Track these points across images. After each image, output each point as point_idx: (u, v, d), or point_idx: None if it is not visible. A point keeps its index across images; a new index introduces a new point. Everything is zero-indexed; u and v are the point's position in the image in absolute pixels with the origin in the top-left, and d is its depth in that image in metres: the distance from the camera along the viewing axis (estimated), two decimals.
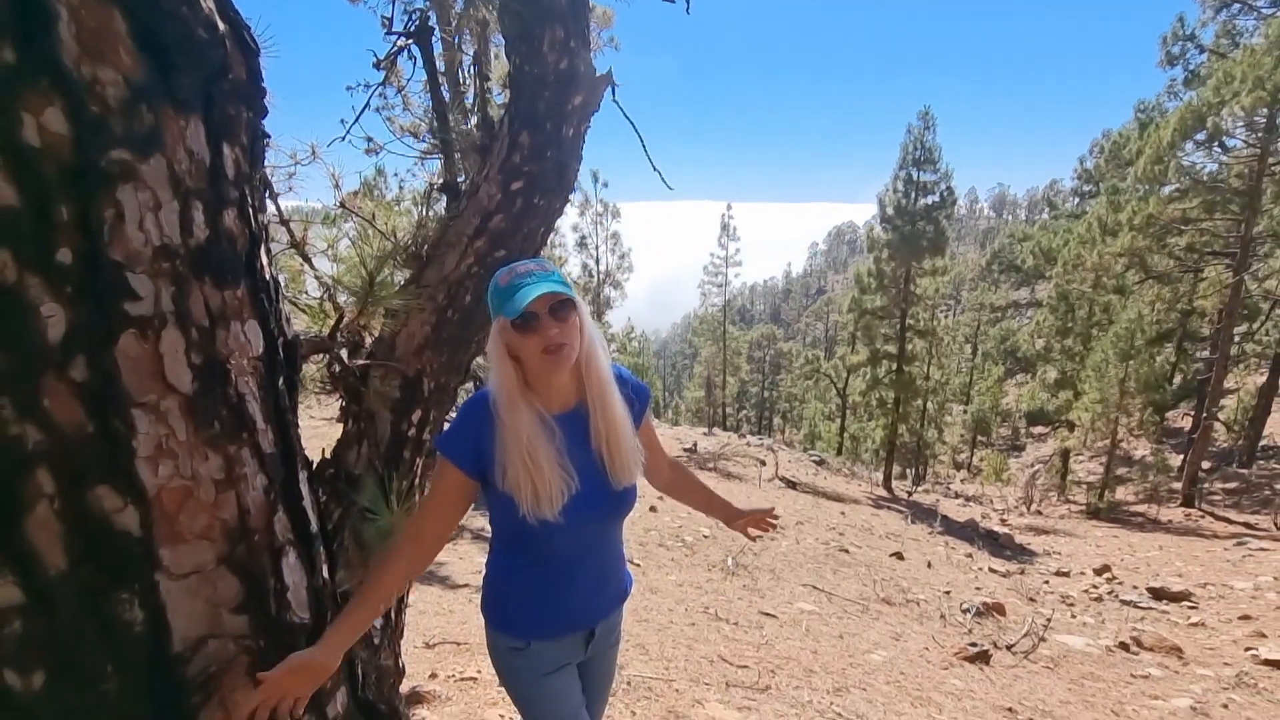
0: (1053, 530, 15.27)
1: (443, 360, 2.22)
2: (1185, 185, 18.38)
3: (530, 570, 1.27)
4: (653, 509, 9.15)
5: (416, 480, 2.25)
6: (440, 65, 2.44)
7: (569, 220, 24.50)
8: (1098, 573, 9.96)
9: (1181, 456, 20.19)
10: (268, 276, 1.03)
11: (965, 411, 32.77)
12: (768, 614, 5.27)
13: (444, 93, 2.16)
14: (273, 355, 1.02)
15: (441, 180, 2.29)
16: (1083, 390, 20.02)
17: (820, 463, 20.98)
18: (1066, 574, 10.12)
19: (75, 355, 0.76)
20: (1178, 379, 23.82)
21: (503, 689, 2.33)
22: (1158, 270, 21.23)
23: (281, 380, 1.05)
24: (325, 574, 1.15)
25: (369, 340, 2.17)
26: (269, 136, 1.06)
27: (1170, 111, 19.50)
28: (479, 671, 2.85)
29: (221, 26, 0.90)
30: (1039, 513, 18.93)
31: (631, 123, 2.18)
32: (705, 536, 8.35)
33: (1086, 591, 8.69)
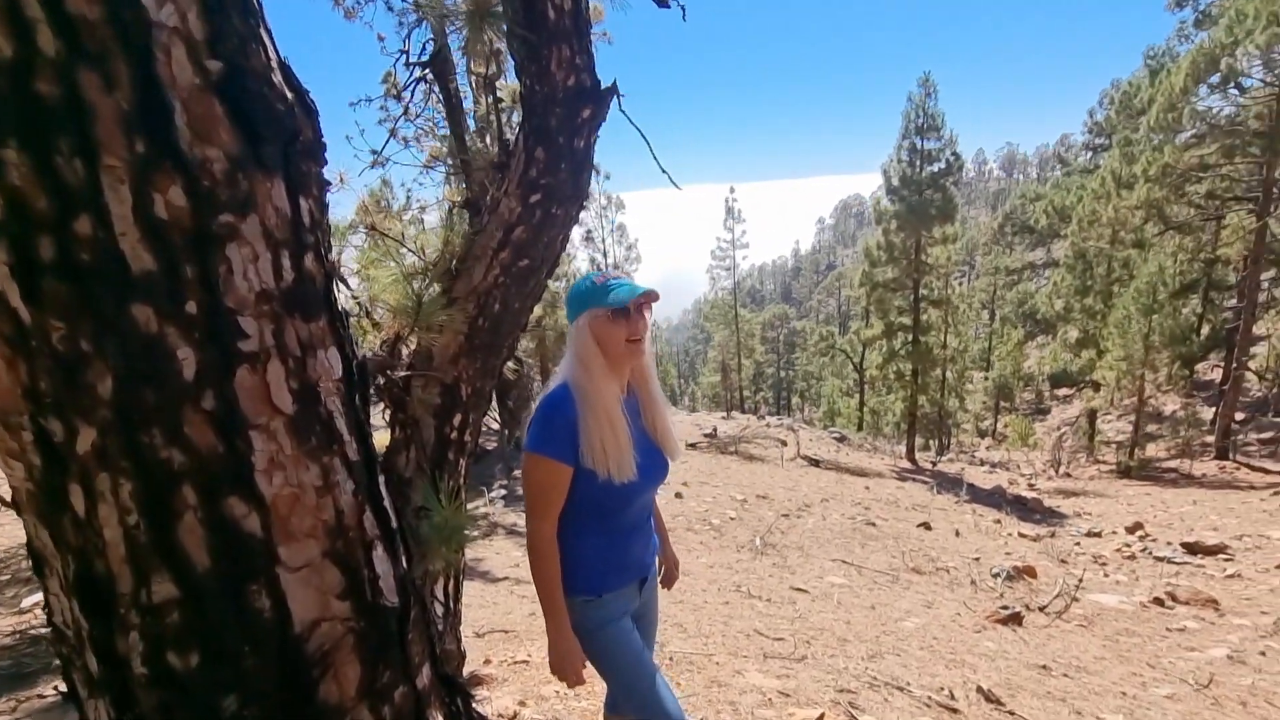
0: (1083, 492, 15.20)
1: (477, 366, 2.38)
2: (1202, 131, 18.00)
3: (596, 535, 1.49)
4: (678, 495, 9.31)
5: (462, 479, 2.42)
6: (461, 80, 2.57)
7: None
8: (1130, 531, 9.96)
9: (1213, 409, 19.91)
10: (340, 307, 1.17)
11: (986, 378, 32.51)
12: (799, 589, 5.41)
13: (467, 118, 2.30)
14: (349, 376, 1.17)
15: (464, 199, 2.43)
16: (1106, 348, 19.79)
17: (842, 439, 21.01)
18: (1098, 534, 10.13)
19: (205, 388, 0.92)
20: (1205, 330, 23.41)
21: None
22: (1177, 220, 20.83)
23: (357, 397, 1.20)
24: (404, 564, 1.30)
25: (405, 352, 2.34)
26: (330, 184, 1.20)
27: (1181, 56, 19.03)
28: (529, 656, 3.03)
29: (290, 96, 1.04)
30: (1068, 475, 18.82)
31: (640, 130, 2.30)
32: (732, 519, 8.51)
33: (1119, 550, 8.72)
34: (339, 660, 1.09)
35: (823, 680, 2.96)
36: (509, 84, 2.49)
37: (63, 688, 1.01)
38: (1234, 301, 21.94)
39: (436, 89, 2.30)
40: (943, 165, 17.79)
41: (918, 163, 17.74)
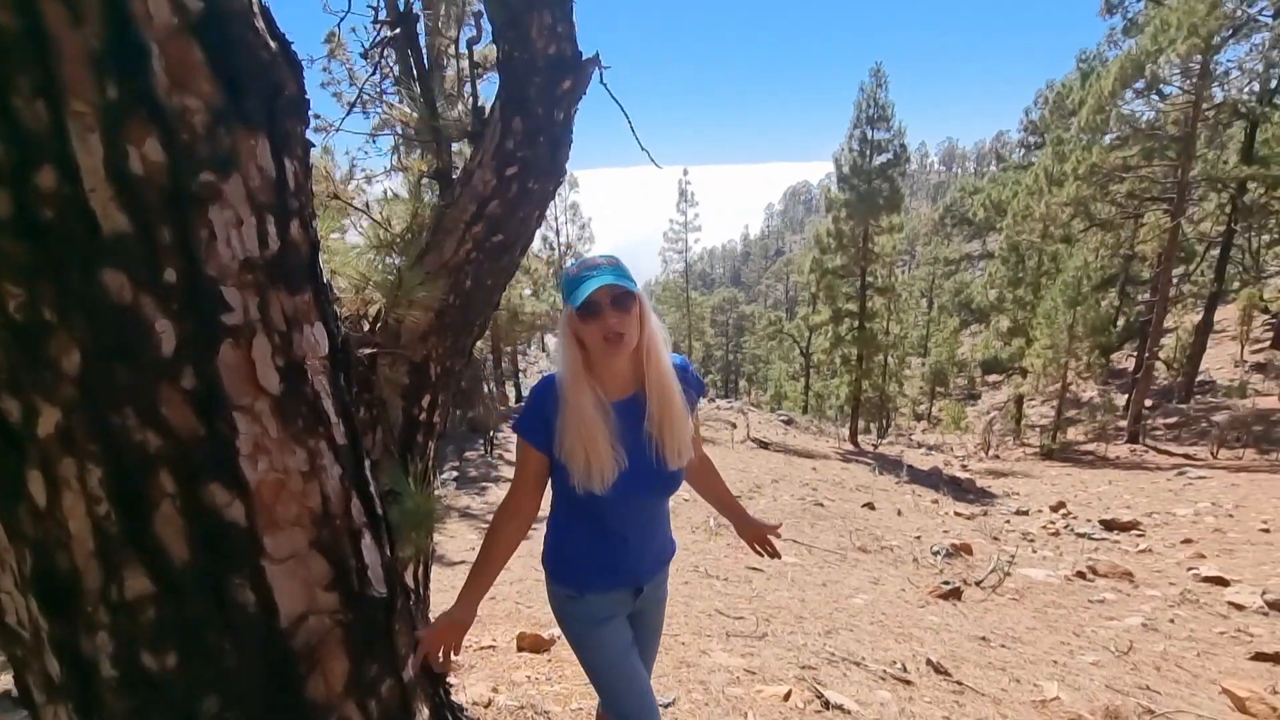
0: (1011, 472, 16.09)
1: (447, 345, 2.29)
2: (1125, 133, 19.05)
3: (585, 532, 1.43)
4: None
5: (431, 462, 2.34)
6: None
7: None
8: (1054, 509, 10.61)
9: (1126, 396, 21.35)
10: (325, 280, 1.09)
11: (924, 364, 33.87)
12: (754, 569, 5.53)
13: (430, 81, 2.19)
14: (335, 353, 1.09)
15: (432, 168, 2.31)
16: (1034, 337, 20.88)
17: (789, 422, 21.56)
18: (1026, 512, 10.74)
19: (184, 365, 0.83)
20: (1121, 321, 25.00)
21: (525, 649, 2.46)
22: (1101, 218, 22.06)
23: (342, 376, 1.12)
24: (388, 551, 1.24)
25: (365, 328, 2.22)
26: (314, 145, 1.11)
27: (1111, 60, 20.01)
28: (494, 640, 2.98)
29: (273, 45, 0.95)
30: (997, 457, 19.88)
31: (620, 105, 2.23)
32: (685, 500, 8.60)
33: (1045, 527, 9.27)
34: (326, 655, 1.03)
35: (785, 657, 3.03)
36: (481, 50, 2.38)
37: (14, 692, 0.92)
38: (1147, 296, 23.49)
39: (392, 52, 2.17)
40: (891, 156, 18.25)
41: (868, 153, 18.15)
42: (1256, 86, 19.45)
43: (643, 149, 2.35)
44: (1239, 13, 17.40)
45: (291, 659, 0.98)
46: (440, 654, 1.39)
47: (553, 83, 2.08)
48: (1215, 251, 22.26)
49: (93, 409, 0.79)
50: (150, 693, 0.88)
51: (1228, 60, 18.39)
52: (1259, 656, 4.37)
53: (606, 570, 1.43)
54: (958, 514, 10.10)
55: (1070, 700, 3.14)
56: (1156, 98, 18.37)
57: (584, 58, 2.10)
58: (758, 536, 1.70)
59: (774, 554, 1.69)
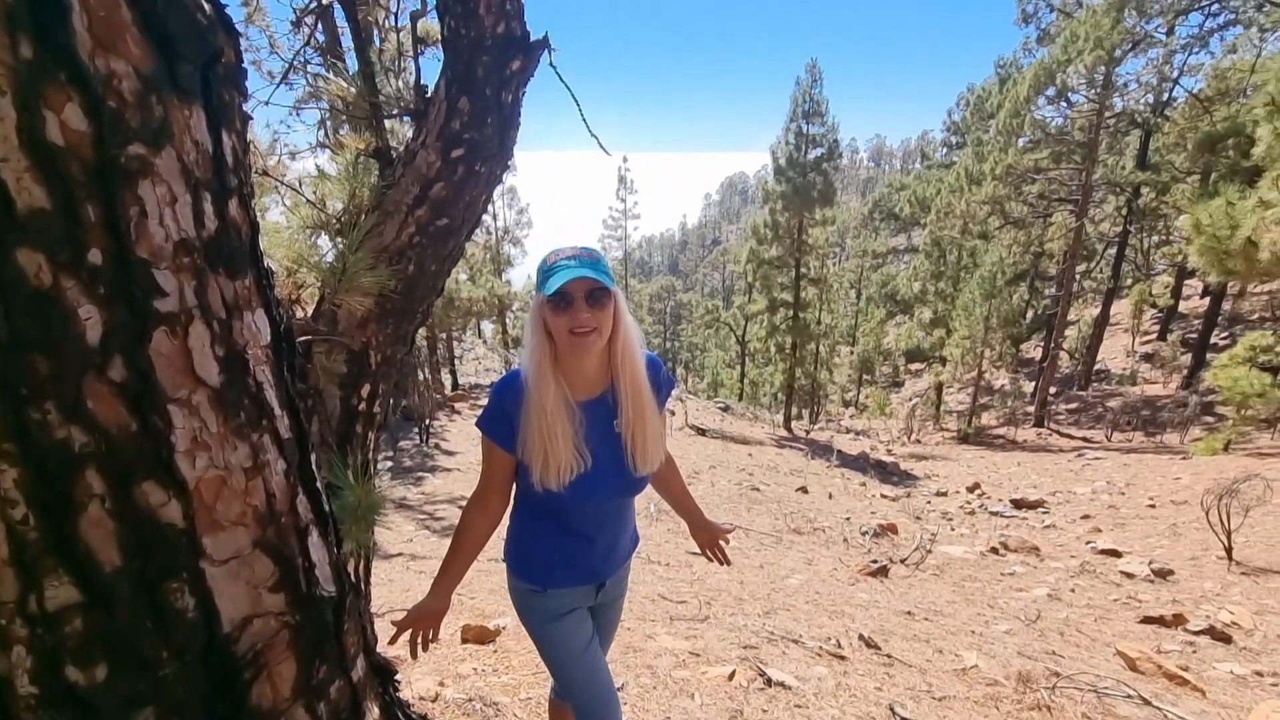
0: (931, 456, 16.99)
1: (388, 332, 2.20)
2: (1038, 137, 20.28)
3: (548, 530, 1.41)
4: None
5: (371, 454, 2.25)
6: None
7: None
8: (969, 490, 11.28)
9: (1033, 383, 22.89)
10: (266, 264, 1.02)
11: (852, 353, 35.18)
12: (694, 553, 5.63)
13: (368, 54, 2.08)
14: (278, 342, 1.03)
15: (371, 146, 2.21)
16: (953, 328, 22.05)
17: (725, 409, 21.99)
18: (945, 493, 11.38)
19: (113, 355, 0.76)
20: (1029, 314, 26.75)
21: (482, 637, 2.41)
22: (1015, 216, 23.50)
23: (285, 366, 1.06)
24: (336, 548, 1.19)
25: (301, 314, 2.11)
26: (251, 118, 1.03)
27: (1026, 68, 21.21)
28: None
29: (208, 8, 0.88)
30: (918, 441, 20.94)
31: (570, 90, 2.19)
32: None
33: (962, 507, 9.86)
34: (273, 659, 0.98)
35: (727, 639, 3.11)
36: (424, 24, 2.28)
37: None
38: (1053, 290, 25.23)
39: (320, 21, 2.05)
40: (824, 150, 18.74)
41: (804, 146, 18.56)
42: (1151, 98, 21.09)
43: (592, 135, 2.32)
44: (1138, 28, 18.78)
45: (234, 665, 0.93)
46: (420, 642, 1.41)
47: (502, 62, 2.02)
48: (1113, 250, 24.12)
49: (7, 404, 0.71)
50: (76, 709, 0.81)
51: (1127, 73, 19.87)
52: (1146, 620, 4.81)
53: (569, 568, 1.42)
54: (884, 496, 10.59)
55: (987, 667, 3.36)
56: (1065, 105, 19.64)
57: (533, 38, 2.05)
58: (709, 541, 1.70)
59: (724, 560, 1.70)
